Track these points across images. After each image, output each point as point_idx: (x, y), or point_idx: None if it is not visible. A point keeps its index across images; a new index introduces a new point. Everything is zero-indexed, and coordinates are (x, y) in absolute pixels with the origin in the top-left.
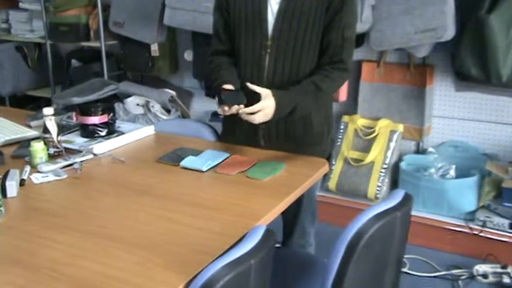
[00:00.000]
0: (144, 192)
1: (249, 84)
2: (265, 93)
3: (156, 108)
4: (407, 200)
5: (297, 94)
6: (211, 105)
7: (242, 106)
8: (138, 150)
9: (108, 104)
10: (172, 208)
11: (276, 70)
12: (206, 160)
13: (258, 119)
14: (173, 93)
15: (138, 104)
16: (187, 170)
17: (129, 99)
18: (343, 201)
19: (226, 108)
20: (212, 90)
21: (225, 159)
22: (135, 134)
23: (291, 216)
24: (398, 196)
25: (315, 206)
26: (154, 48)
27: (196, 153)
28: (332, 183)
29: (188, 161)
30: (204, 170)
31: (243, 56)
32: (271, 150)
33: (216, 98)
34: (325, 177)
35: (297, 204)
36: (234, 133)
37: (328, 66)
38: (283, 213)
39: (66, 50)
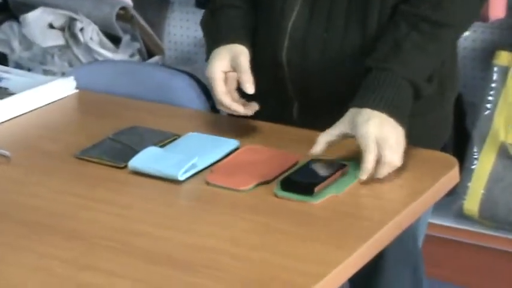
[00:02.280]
0: (47, 228)
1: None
2: (342, 128)
3: (90, 33)
4: None
5: (400, 65)
6: None
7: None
8: (39, 133)
9: None
10: (107, 265)
11: None
12: (186, 156)
13: (384, 171)
14: (127, 1)
15: (51, 26)
16: (143, 179)
17: (31, 15)
18: (494, 241)
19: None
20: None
21: (229, 153)
22: (33, 96)
23: (366, 278)
24: None
25: (416, 254)
26: None
27: (165, 139)
28: (471, 202)
29: (146, 159)
30: (181, 178)
31: None
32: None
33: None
34: (454, 189)
35: (380, 254)
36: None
37: None
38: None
39: None
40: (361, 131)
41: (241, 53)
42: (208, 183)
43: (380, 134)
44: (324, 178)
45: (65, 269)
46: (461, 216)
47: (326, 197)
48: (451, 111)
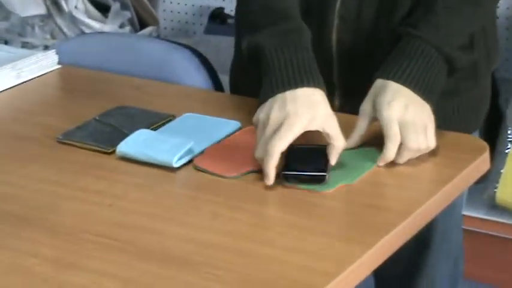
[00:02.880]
0: (25, 222)
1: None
2: (368, 112)
3: (75, 1)
4: None
5: (432, 36)
6: None
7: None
8: (16, 115)
9: None
10: (93, 263)
11: None
12: (182, 140)
13: (408, 155)
14: None
15: None
16: (134, 165)
17: None
18: None
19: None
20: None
21: (228, 136)
22: (10, 73)
23: (398, 276)
24: None
25: (459, 244)
26: None
27: (159, 120)
28: (505, 191)
29: (137, 143)
30: (176, 164)
31: None
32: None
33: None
34: (486, 176)
35: (424, 245)
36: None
37: None
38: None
39: None
40: (383, 115)
41: (332, 115)
42: (195, 167)
43: (403, 117)
44: (325, 164)
45: (45, 267)
46: (494, 206)
47: (338, 186)
48: (490, 85)
